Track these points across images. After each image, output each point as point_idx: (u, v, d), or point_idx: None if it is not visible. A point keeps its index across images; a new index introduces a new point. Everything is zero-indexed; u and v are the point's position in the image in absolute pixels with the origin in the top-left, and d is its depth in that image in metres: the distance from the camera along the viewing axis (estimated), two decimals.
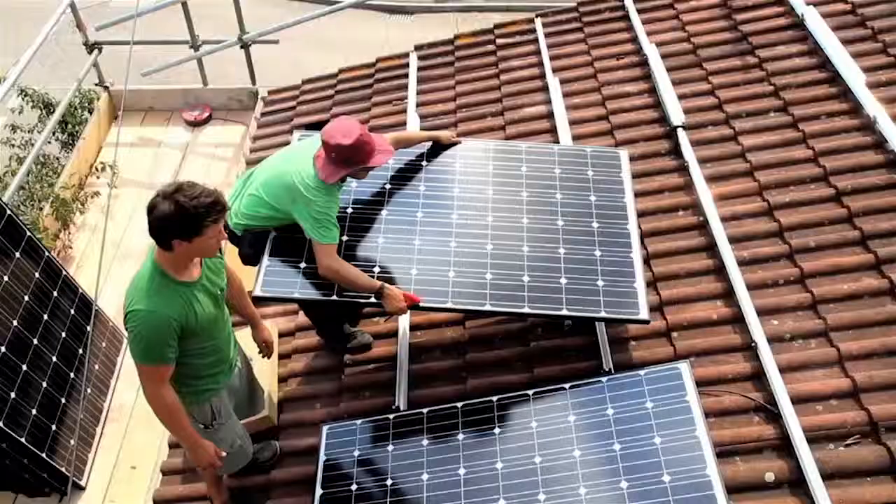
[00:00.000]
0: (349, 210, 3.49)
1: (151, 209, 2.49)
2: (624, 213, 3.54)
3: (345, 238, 3.35)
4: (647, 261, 3.79)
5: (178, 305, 2.62)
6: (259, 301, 3.37)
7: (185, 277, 2.67)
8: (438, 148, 3.78)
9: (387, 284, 3.18)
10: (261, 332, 3.32)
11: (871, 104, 4.05)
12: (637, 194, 4.10)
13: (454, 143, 3.80)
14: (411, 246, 3.40)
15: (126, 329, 2.64)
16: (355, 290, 3.19)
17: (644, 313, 3.22)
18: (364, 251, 3.38)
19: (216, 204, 2.51)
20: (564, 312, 3.20)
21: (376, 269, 3.31)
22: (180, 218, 2.46)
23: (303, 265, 3.29)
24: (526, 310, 3.21)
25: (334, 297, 3.23)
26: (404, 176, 3.67)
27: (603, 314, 3.21)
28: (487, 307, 3.22)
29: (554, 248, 3.39)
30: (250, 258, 3.36)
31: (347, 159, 3.10)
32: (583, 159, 3.75)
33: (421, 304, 3.22)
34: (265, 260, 3.30)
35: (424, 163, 3.72)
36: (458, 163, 3.72)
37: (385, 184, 3.62)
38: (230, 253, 3.46)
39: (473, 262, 3.35)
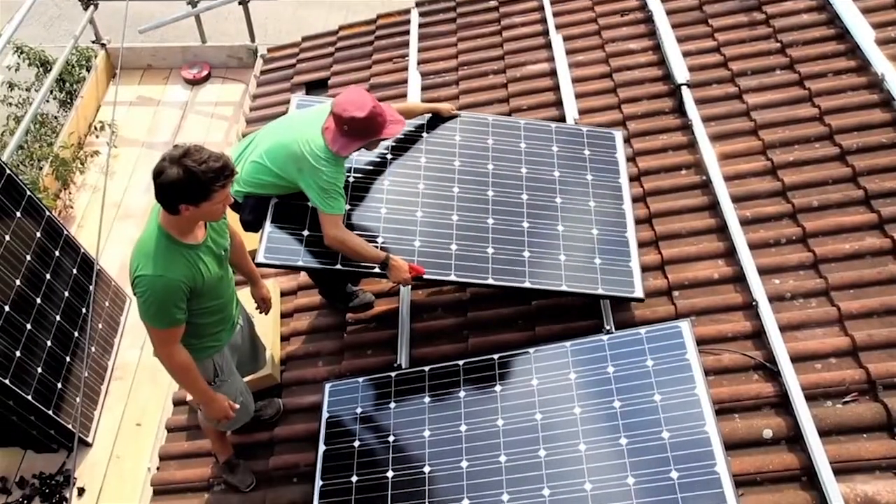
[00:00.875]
0: (350, 179, 3.48)
1: (158, 174, 2.43)
2: (619, 192, 3.58)
3: (347, 207, 3.35)
4: (648, 220, 3.79)
5: (184, 268, 2.61)
6: (261, 266, 3.37)
7: (191, 240, 2.66)
8: (437, 120, 3.76)
9: (392, 255, 3.18)
10: (259, 289, 3.34)
11: (880, 61, 3.99)
12: (640, 153, 4.09)
13: (453, 116, 3.78)
14: (414, 217, 3.41)
15: (134, 294, 2.62)
16: (361, 261, 3.20)
17: (639, 292, 3.27)
18: (366, 221, 3.38)
19: (225, 169, 2.47)
20: (564, 288, 3.25)
21: (379, 240, 3.31)
22: (189, 183, 2.41)
23: (306, 233, 3.29)
24: (527, 284, 3.25)
25: (338, 266, 3.24)
26: (404, 147, 3.66)
27: (600, 291, 3.25)
28: (489, 281, 3.25)
29: (553, 225, 3.43)
30: (252, 224, 3.35)
31: (361, 132, 3.07)
32: (579, 138, 3.77)
33: (425, 276, 3.24)
34: (267, 226, 3.29)
35: (425, 135, 3.70)
36: (458, 136, 3.71)
37: (386, 154, 3.61)
38: (230, 214, 3.44)
39: (475, 235, 3.37)
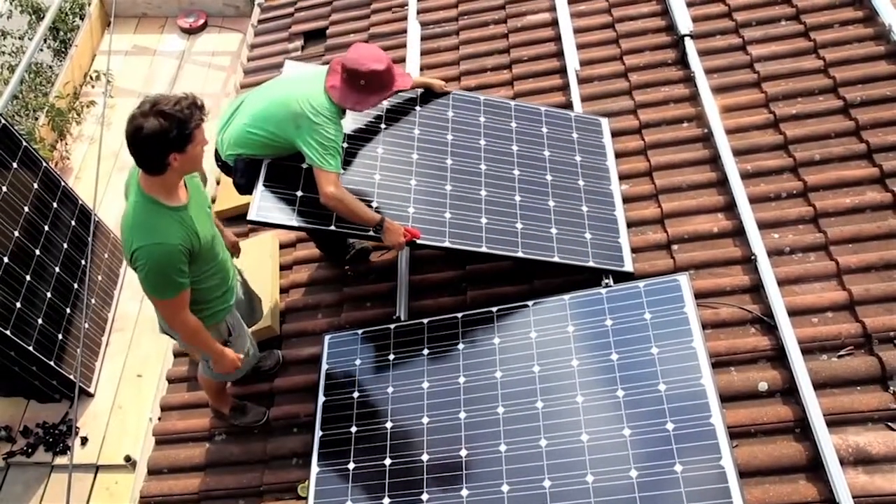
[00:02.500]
0: (344, 146, 3.45)
1: (137, 131, 2.33)
2: (607, 174, 3.63)
3: (341, 171, 3.32)
4: (649, 173, 3.77)
5: (179, 231, 2.54)
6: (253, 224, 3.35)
7: (177, 202, 2.58)
8: (430, 96, 3.77)
9: (387, 218, 3.18)
10: (227, 237, 3.24)
11: (888, 11, 3.92)
12: (641, 105, 4.05)
13: (446, 93, 3.79)
14: (408, 185, 3.42)
15: (135, 269, 2.52)
16: (356, 222, 3.18)
17: (629, 266, 3.31)
18: (360, 186, 3.37)
19: (195, 104, 2.42)
20: (556, 259, 3.28)
21: (373, 204, 3.31)
22: (172, 128, 2.35)
23: (300, 193, 3.27)
24: (520, 254, 3.28)
25: (332, 228, 3.24)
26: (397, 119, 3.66)
27: (591, 264, 3.28)
28: (483, 249, 3.28)
29: (544, 200, 3.47)
30: (244, 187, 3.30)
31: (380, 85, 3.10)
32: (567, 122, 3.82)
33: (419, 241, 3.24)
34: (260, 185, 3.26)
35: (417, 108, 3.71)
36: (451, 112, 3.74)
37: (379, 125, 3.61)
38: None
39: (468, 205, 3.40)
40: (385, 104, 3.61)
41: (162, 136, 2.36)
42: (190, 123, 2.40)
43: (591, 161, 3.67)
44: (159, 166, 2.44)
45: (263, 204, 3.23)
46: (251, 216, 3.22)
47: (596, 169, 3.64)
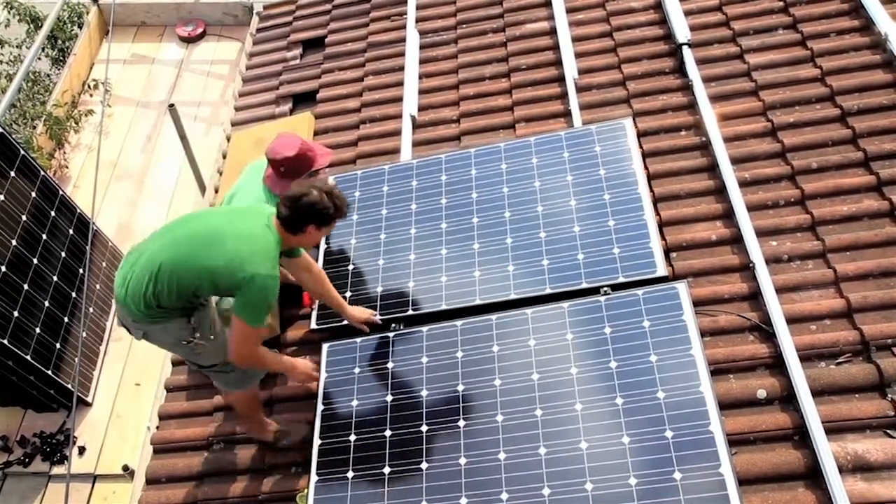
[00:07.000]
0: (383, 237, 3.74)
1: (303, 196, 2.77)
2: (633, 179, 3.62)
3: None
4: (647, 181, 3.77)
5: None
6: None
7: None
8: (453, 160, 3.92)
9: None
10: (353, 316, 3.40)
11: (884, 21, 3.94)
12: (639, 114, 4.06)
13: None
14: (439, 256, 3.57)
15: (249, 292, 2.73)
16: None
17: (661, 270, 3.25)
18: (397, 266, 3.62)
19: (348, 207, 2.94)
20: (584, 286, 3.29)
21: (410, 284, 3.50)
22: (331, 209, 2.82)
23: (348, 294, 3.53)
24: (547, 291, 3.32)
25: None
26: (425, 191, 3.85)
27: (621, 279, 3.27)
28: (512, 296, 3.33)
29: (569, 228, 3.51)
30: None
31: (298, 168, 3.30)
32: (589, 138, 3.83)
33: (445, 308, 3.38)
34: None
35: (444, 178, 3.87)
36: (475, 171, 3.87)
37: (409, 205, 3.81)
38: None
39: (495, 258, 3.50)
40: (409, 182, 3.89)
41: (319, 208, 2.81)
42: (339, 215, 2.90)
43: (616, 171, 3.65)
44: (298, 227, 2.85)
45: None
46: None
47: (621, 177, 3.63)
